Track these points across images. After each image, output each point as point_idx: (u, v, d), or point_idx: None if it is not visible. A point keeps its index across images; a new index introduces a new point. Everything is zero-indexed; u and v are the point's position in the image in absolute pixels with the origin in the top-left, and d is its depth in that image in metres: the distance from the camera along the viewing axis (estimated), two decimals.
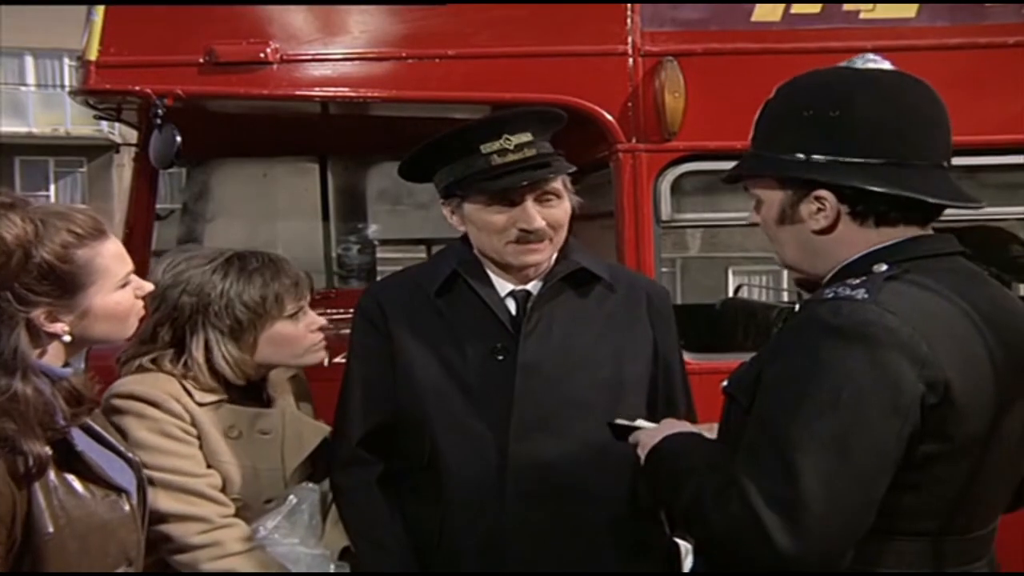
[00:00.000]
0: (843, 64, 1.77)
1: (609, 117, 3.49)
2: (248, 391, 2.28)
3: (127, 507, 1.78)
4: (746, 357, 1.79)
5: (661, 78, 3.41)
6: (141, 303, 1.88)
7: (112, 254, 1.81)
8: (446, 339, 2.24)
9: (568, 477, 2.19)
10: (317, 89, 3.46)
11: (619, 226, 3.52)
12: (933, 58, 3.32)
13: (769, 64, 3.34)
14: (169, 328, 2.20)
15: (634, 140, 3.49)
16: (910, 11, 3.46)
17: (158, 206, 4.46)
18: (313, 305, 2.37)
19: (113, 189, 25.11)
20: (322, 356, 2.33)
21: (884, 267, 1.64)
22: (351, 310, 2.36)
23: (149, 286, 1.90)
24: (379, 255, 5.00)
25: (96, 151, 25.36)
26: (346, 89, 3.47)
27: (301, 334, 2.27)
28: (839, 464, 1.50)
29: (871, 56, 1.75)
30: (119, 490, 1.77)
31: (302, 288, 2.28)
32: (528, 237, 2.20)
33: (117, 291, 1.80)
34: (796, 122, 1.72)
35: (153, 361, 2.19)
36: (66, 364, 1.79)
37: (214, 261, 2.22)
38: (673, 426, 1.89)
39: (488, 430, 2.19)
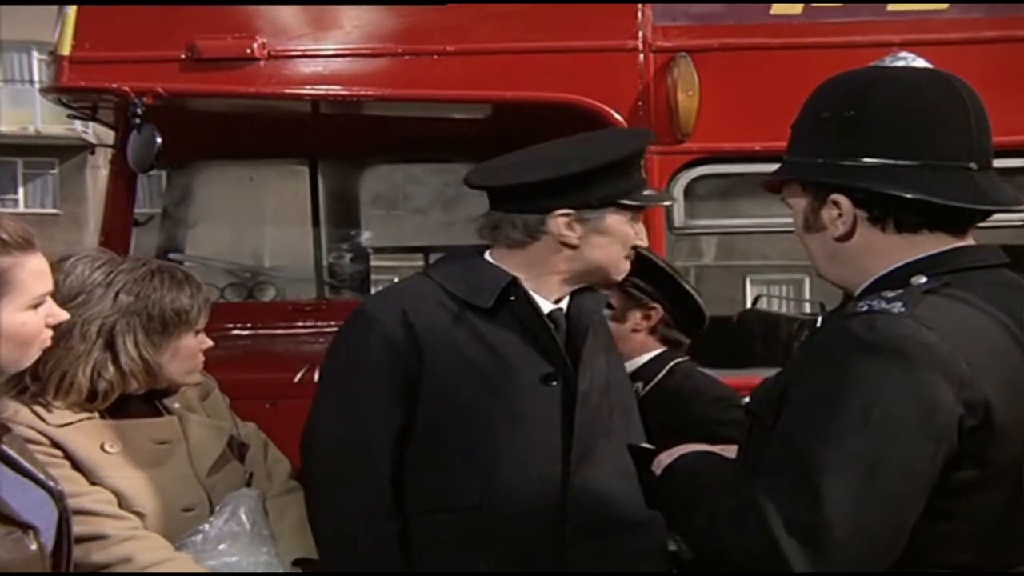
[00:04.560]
0: (874, 63, 1.77)
1: (618, 117, 3.48)
2: (138, 401, 2.29)
3: (33, 545, 1.71)
4: (765, 373, 1.79)
5: (674, 75, 3.41)
6: (49, 332, 1.81)
7: (33, 269, 1.75)
8: (492, 364, 2.20)
9: (618, 509, 2.21)
10: (307, 87, 3.47)
11: None
12: (967, 53, 3.31)
13: (789, 60, 3.36)
14: None
15: None
16: (942, 2, 3.47)
17: (136, 211, 4.44)
18: (303, 317, 2.36)
19: (87, 193, 25.24)
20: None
21: (923, 280, 1.63)
22: (342, 322, 2.34)
23: (63, 315, 1.84)
24: (373, 263, 5.00)
25: (69, 152, 25.47)
26: (338, 87, 3.47)
27: (192, 349, 2.31)
28: (867, 487, 1.50)
29: (903, 54, 1.75)
30: (25, 527, 1.71)
31: (202, 304, 2.30)
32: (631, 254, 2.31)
33: (27, 311, 1.74)
34: (816, 124, 1.75)
35: None
36: None
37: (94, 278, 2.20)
38: (690, 446, 1.90)
39: (546, 463, 2.19)
